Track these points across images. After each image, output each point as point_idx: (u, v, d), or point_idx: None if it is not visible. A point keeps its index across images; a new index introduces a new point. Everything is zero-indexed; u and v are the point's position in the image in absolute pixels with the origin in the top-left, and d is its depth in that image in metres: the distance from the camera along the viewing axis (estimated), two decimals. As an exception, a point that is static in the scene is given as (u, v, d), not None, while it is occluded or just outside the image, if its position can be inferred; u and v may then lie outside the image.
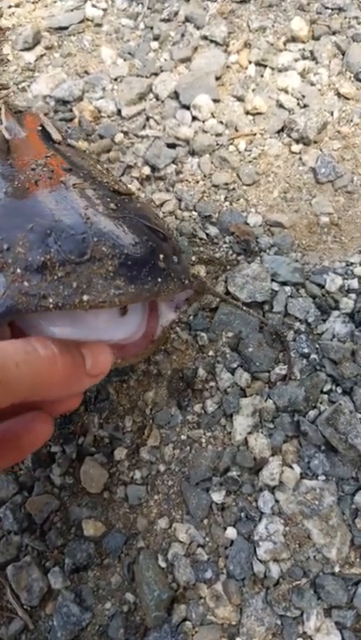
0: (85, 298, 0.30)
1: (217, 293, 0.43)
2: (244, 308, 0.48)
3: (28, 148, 0.45)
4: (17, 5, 0.78)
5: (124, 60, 0.70)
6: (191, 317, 0.52)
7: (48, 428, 0.33)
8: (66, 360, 0.29)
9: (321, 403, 0.47)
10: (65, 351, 0.29)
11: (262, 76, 0.67)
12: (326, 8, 0.70)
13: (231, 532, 0.43)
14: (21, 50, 0.72)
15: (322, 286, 0.52)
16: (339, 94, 0.64)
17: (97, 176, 0.41)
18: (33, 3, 0.78)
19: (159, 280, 0.33)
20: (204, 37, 0.69)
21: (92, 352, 0.31)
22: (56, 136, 0.48)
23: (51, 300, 0.29)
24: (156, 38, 0.70)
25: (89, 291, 0.30)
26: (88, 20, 0.74)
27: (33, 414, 0.32)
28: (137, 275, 0.32)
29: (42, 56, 0.72)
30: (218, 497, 0.45)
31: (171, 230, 0.50)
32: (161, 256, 0.35)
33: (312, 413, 0.46)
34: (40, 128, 0.50)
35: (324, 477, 0.45)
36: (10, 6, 0.77)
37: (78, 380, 0.31)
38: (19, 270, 0.30)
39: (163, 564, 0.43)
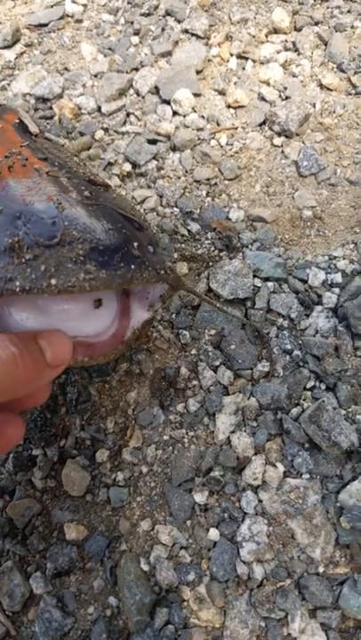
0: (54, 282, 0.29)
1: (194, 291, 0.43)
2: (220, 305, 0.47)
3: (4, 138, 0.44)
4: (-3, 3, 0.77)
5: (105, 55, 0.69)
6: (173, 315, 0.51)
7: (19, 431, 0.33)
8: (26, 360, 0.28)
9: (304, 400, 0.46)
10: (24, 350, 0.28)
11: (244, 68, 0.66)
12: (308, -2, 0.69)
13: (214, 534, 0.43)
14: (1, 48, 0.71)
15: (305, 281, 0.51)
16: (321, 85, 0.63)
17: (73, 167, 0.41)
18: (12, 0, 0.77)
19: (132, 267, 0.32)
20: (185, 31, 0.68)
21: (50, 343, 0.31)
22: (33, 129, 0.47)
23: (17, 284, 0.29)
24: (136, 33, 0.69)
25: (58, 274, 0.29)
26: (68, 16, 0.73)
27: (2, 417, 0.32)
28: (109, 260, 0.31)
29: (22, 54, 0.71)
30: (200, 498, 0.44)
31: (148, 222, 0.49)
32: (135, 244, 0.34)
33: (295, 411, 0.46)
34: (17, 121, 0.49)
35: (308, 476, 0.44)
36: (-10, 4, 0.77)
37: (40, 375, 0.30)
38: None
39: (145, 567, 0.42)
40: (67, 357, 0.32)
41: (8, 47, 0.71)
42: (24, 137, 0.44)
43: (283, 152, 0.60)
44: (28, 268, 0.29)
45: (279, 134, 0.60)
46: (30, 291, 0.29)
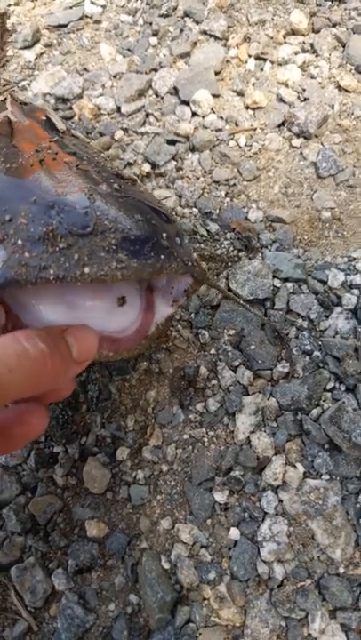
0: (87, 270, 0.29)
1: (217, 286, 0.43)
2: (243, 302, 0.47)
3: (32, 134, 0.44)
4: (16, 4, 0.77)
5: (124, 56, 0.69)
6: (193, 315, 0.51)
7: (43, 421, 0.33)
8: (55, 356, 0.29)
9: (324, 401, 0.46)
10: (53, 347, 0.29)
11: (262, 69, 0.66)
12: (326, 0, 0.69)
13: (234, 533, 0.43)
14: (21, 48, 0.72)
15: (324, 282, 0.52)
16: (339, 87, 0.63)
17: (100, 161, 0.41)
18: (32, 1, 0.77)
19: (162, 257, 0.32)
20: (204, 32, 0.69)
21: (77, 339, 0.31)
22: (60, 126, 0.48)
23: (51, 272, 0.29)
24: (155, 34, 0.70)
25: (90, 263, 0.29)
26: (87, 17, 0.73)
27: (27, 406, 0.32)
28: (140, 249, 0.31)
29: (41, 54, 0.72)
30: (221, 497, 0.44)
31: (174, 216, 0.50)
32: (164, 234, 0.34)
33: (315, 412, 0.46)
34: (45, 118, 0.50)
35: (327, 477, 0.44)
36: (9, 5, 0.77)
37: (66, 371, 0.30)
38: (20, 241, 0.30)
39: (166, 566, 0.43)
40: (92, 353, 0.32)
41: (28, 47, 0.71)
42: (52, 133, 0.44)
43: (301, 153, 0.60)
44: (62, 256, 0.29)
45: (298, 135, 0.60)
46: (64, 279, 0.29)
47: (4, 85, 0.68)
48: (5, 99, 0.50)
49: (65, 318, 0.34)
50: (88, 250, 0.30)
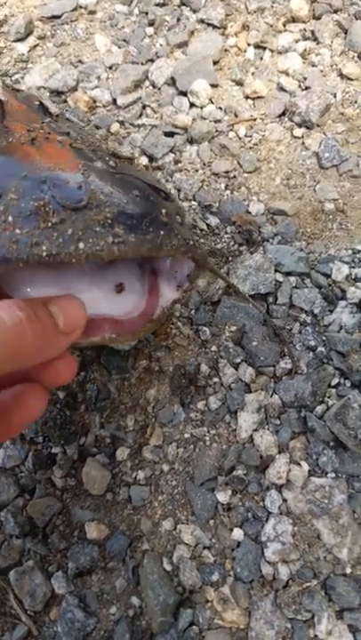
0: (81, 245, 0.28)
1: (217, 271, 0.42)
2: (245, 293, 0.45)
3: (25, 116, 0.43)
4: (9, -5, 0.75)
5: (119, 47, 0.68)
6: (193, 311, 0.50)
7: (41, 402, 0.31)
8: (34, 325, 0.27)
9: (329, 397, 0.45)
10: (32, 316, 0.27)
11: (262, 58, 0.64)
12: (327, -15, 0.68)
13: (238, 533, 0.42)
14: (14, 41, 0.70)
15: (328, 276, 0.50)
16: (342, 75, 0.61)
17: (95, 142, 0.40)
18: (25, -8, 0.76)
19: (161, 233, 0.31)
20: (201, 21, 0.67)
21: (61, 308, 0.29)
22: (54, 110, 0.46)
23: (44, 248, 0.28)
24: (151, 24, 0.68)
25: (85, 238, 0.28)
26: (81, 7, 0.72)
27: (24, 387, 0.31)
28: (137, 224, 0.30)
29: (35, 46, 0.70)
30: (223, 497, 0.43)
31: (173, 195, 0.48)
32: (163, 211, 0.33)
33: (320, 408, 0.45)
34: (38, 103, 0.49)
35: (333, 475, 0.43)
36: (1, -3, 0.75)
37: (53, 342, 0.29)
38: (10, 218, 0.29)
39: (168, 567, 0.42)
40: (80, 324, 0.31)
41: (21, 40, 0.70)
42: (44, 116, 0.43)
43: (303, 143, 0.58)
44: (55, 232, 0.28)
45: (299, 125, 0.59)
46: (57, 256, 0.28)
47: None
48: None
49: None
50: (82, 224, 0.29)
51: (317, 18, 0.66)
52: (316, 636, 0.39)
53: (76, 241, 0.28)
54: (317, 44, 0.64)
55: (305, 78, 0.61)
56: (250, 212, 0.55)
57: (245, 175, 0.57)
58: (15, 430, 0.31)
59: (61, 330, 0.29)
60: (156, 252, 0.31)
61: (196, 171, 0.58)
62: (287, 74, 0.62)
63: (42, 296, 0.31)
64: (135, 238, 0.29)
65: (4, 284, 0.32)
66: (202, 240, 0.53)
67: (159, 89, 0.63)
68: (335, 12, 0.66)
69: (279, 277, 0.50)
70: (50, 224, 0.28)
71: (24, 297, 0.32)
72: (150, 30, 0.67)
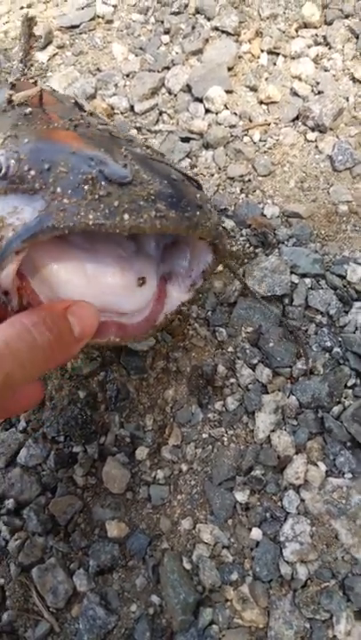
0: (126, 217, 0.29)
1: (235, 270, 0.42)
2: (254, 292, 0.46)
3: (61, 109, 0.45)
4: (29, 6, 0.78)
5: (136, 55, 0.69)
6: (209, 313, 0.51)
7: (39, 392, 0.35)
8: (61, 344, 0.30)
9: (345, 398, 0.46)
10: (58, 335, 0.30)
11: (275, 64, 0.65)
12: (339, -9, 0.68)
13: (256, 533, 0.42)
14: (34, 50, 0.72)
15: (343, 277, 0.51)
16: (354, 79, 0.62)
17: (128, 137, 0.42)
18: (44, 2, 0.78)
19: (198, 213, 0.33)
20: (215, 28, 0.68)
21: (79, 319, 0.32)
22: (87, 107, 0.48)
23: (91, 217, 0.29)
24: (166, 32, 0.69)
25: (130, 210, 0.30)
26: (99, 17, 0.74)
27: None
28: (177, 202, 0.32)
29: (54, 55, 0.72)
30: (242, 497, 0.44)
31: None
32: (198, 195, 0.34)
33: (336, 409, 0.45)
34: (73, 101, 0.51)
35: (350, 475, 0.43)
36: (22, 7, 0.77)
37: (69, 350, 0.31)
38: (59, 189, 0.30)
39: (187, 566, 0.42)
40: (93, 330, 0.33)
41: (41, 49, 0.71)
42: (81, 112, 0.44)
43: (317, 147, 0.59)
44: (102, 203, 0.30)
45: (313, 129, 0.60)
46: (103, 226, 0.29)
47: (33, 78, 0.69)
48: (36, 81, 0.50)
49: (82, 293, 0.34)
50: (128, 198, 0.30)
51: (329, 23, 0.67)
52: (334, 636, 0.40)
53: (121, 212, 0.29)
54: (329, 48, 0.65)
55: (318, 83, 0.62)
56: (265, 215, 0.55)
57: (260, 179, 0.58)
58: (7, 416, 0.33)
59: (76, 337, 0.32)
60: (192, 230, 0.32)
61: (212, 175, 0.59)
62: (300, 79, 0.63)
63: (71, 291, 0.33)
64: (175, 214, 0.31)
65: (29, 269, 0.33)
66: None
67: (175, 96, 0.64)
68: (346, 17, 0.67)
69: (295, 279, 0.51)
70: (97, 196, 0.30)
71: (49, 282, 0.34)
72: (166, 38, 0.69)
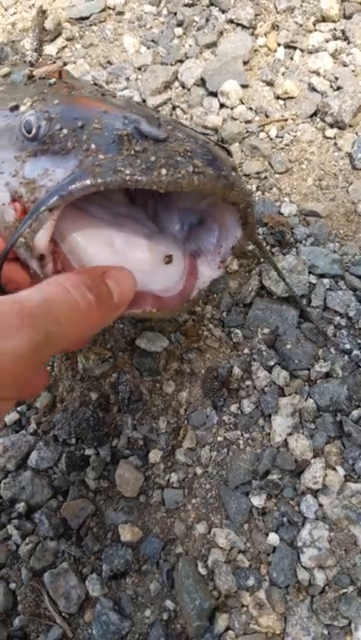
0: (163, 172, 0.29)
1: (262, 246, 0.42)
2: (283, 276, 0.46)
3: (84, 84, 0.45)
4: (37, -3, 0.76)
5: (148, 48, 0.68)
6: (225, 313, 0.50)
7: (45, 377, 0.34)
8: (101, 307, 0.29)
9: (365, 401, 0.45)
10: (99, 297, 0.29)
11: (292, 58, 0.64)
12: (358, -16, 0.67)
13: (273, 538, 0.42)
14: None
15: (362, 278, 0.50)
16: (374, 74, 0.61)
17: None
18: (53, -7, 0.76)
19: (233, 174, 0.32)
20: (230, 21, 0.66)
21: (118, 283, 0.31)
22: (106, 87, 0.48)
23: (127, 172, 0.28)
24: (179, 24, 0.68)
25: (167, 165, 0.29)
26: (109, 8, 0.72)
27: None
28: (213, 161, 0.31)
29: (63, 48, 0.70)
30: (258, 501, 0.43)
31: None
32: (230, 159, 0.34)
33: (356, 413, 0.44)
34: (92, 82, 0.50)
35: (370, 480, 0.42)
36: (30, -2, 0.76)
37: (108, 315, 0.31)
38: (93, 145, 0.30)
39: (203, 571, 0.41)
40: (131, 296, 0.32)
41: (50, 41, 0.70)
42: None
43: (335, 144, 0.58)
44: (138, 159, 0.29)
45: (331, 126, 0.58)
46: (139, 182, 0.28)
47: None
48: (54, 60, 0.50)
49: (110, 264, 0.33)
50: (165, 153, 0.29)
51: (348, 17, 0.65)
52: (353, 643, 0.39)
53: (158, 167, 0.29)
54: (348, 43, 0.64)
55: (336, 78, 0.61)
56: (282, 214, 0.54)
57: (277, 176, 0.57)
58: (21, 397, 0.34)
59: (115, 304, 0.31)
60: (228, 190, 0.31)
61: (227, 172, 0.58)
62: (318, 74, 0.62)
63: (97, 265, 0.33)
64: (213, 172, 0.30)
65: (61, 236, 0.32)
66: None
67: (189, 90, 0.63)
68: (366, 10, 0.65)
69: (313, 279, 0.50)
70: (133, 152, 0.29)
71: (80, 253, 0.33)
72: (179, 31, 0.67)
